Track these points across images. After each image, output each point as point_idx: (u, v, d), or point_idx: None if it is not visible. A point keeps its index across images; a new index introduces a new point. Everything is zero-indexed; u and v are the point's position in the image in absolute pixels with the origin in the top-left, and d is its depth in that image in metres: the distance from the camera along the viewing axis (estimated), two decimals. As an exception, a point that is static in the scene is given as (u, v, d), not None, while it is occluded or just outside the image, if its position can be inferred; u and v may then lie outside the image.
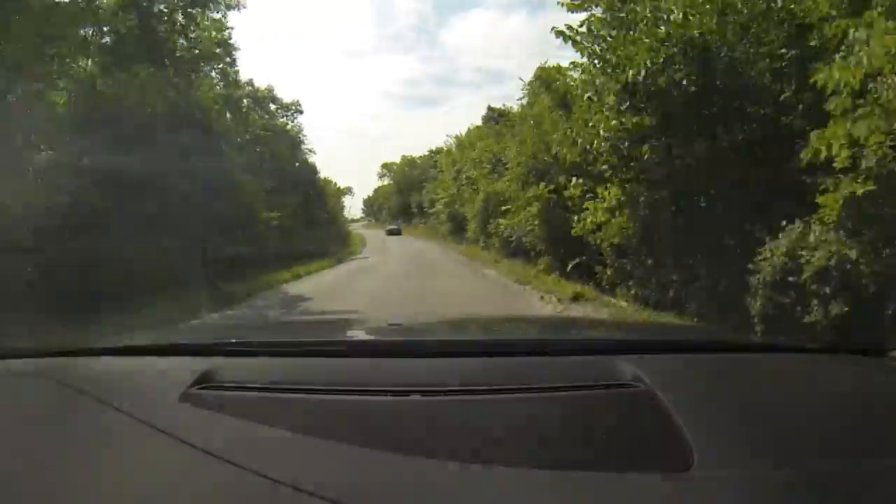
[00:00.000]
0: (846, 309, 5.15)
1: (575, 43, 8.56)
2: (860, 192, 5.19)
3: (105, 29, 14.93)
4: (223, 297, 11.82)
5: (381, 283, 15.39)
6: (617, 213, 9.48)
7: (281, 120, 30.82)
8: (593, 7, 8.66)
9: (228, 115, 22.11)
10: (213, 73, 21.37)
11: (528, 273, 14.93)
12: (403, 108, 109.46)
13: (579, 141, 9.34)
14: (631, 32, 8.06)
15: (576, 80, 11.10)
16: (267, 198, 20.45)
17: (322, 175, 45.00)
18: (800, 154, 5.76)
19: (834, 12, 6.24)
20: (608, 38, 8.37)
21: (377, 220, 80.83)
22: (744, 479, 0.83)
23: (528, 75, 20.56)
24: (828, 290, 5.29)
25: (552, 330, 2.24)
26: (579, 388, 1.10)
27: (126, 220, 10.85)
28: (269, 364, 1.32)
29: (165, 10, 16.96)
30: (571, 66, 11.56)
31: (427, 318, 2.96)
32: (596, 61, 8.69)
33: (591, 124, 8.85)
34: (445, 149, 40.05)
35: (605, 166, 9.15)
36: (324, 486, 0.77)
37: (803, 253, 5.57)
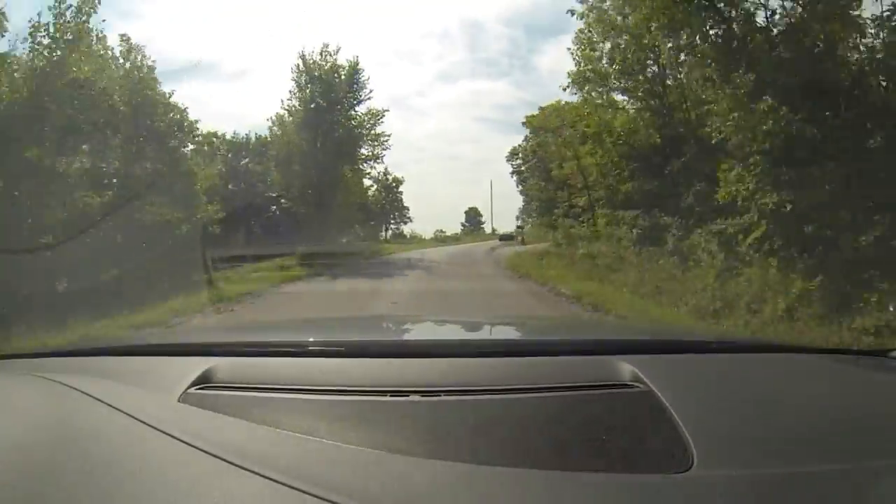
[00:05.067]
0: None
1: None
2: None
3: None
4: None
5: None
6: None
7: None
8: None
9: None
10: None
11: None
12: (499, 133, 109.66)
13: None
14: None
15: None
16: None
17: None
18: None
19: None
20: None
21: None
22: (743, 479, 0.83)
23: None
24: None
25: (552, 330, 2.24)
26: (579, 389, 1.10)
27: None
28: (268, 364, 1.32)
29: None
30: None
31: (426, 318, 2.97)
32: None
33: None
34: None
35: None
36: (324, 486, 0.77)
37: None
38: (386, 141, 28.63)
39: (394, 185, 53.48)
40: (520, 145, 46.95)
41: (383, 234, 53.61)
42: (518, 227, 45.99)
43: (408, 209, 57.69)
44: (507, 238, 43.68)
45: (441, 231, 69.10)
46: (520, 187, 49.83)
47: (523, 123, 42.85)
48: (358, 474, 0.83)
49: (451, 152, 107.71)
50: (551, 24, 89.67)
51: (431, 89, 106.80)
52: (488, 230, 68.56)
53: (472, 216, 77.09)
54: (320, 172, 25.10)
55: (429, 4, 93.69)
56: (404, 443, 0.92)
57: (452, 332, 2.07)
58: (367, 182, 35.28)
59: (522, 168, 45.99)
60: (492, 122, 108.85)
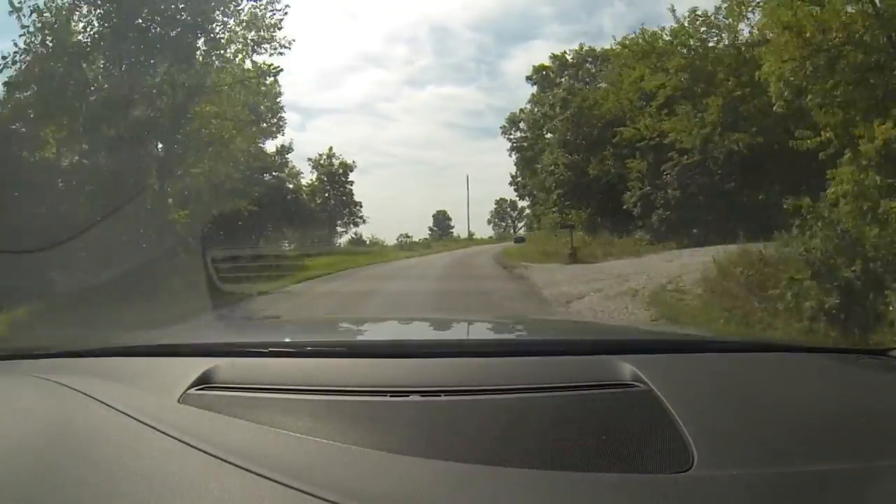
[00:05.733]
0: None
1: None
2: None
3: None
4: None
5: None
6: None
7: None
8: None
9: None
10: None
11: None
12: (466, 139, 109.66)
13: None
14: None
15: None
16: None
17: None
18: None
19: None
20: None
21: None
22: (744, 479, 0.83)
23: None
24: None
25: (552, 331, 2.24)
26: (579, 388, 1.10)
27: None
28: (268, 365, 1.32)
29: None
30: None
31: (427, 318, 2.97)
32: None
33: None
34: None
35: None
36: (324, 486, 0.77)
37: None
38: (279, 26, 13.44)
39: (341, 172, 39.68)
40: (521, 110, 36.99)
41: (334, 237, 38.54)
42: (566, 224, 23.83)
43: (360, 206, 42.17)
44: (520, 241, 34.72)
45: (406, 236, 54.69)
46: (519, 177, 38.32)
47: (528, 77, 33.99)
48: (358, 474, 0.83)
49: (418, 157, 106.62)
50: (519, 30, 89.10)
51: (399, 94, 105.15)
52: (462, 234, 62.30)
53: (441, 219, 71.14)
54: (126, 99, 11.34)
55: (396, 9, 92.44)
56: (404, 443, 0.92)
57: (452, 332, 2.07)
58: (304, 166, 23.20)
59: (525, 144, 35.35)
60: (460, 127, 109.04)
